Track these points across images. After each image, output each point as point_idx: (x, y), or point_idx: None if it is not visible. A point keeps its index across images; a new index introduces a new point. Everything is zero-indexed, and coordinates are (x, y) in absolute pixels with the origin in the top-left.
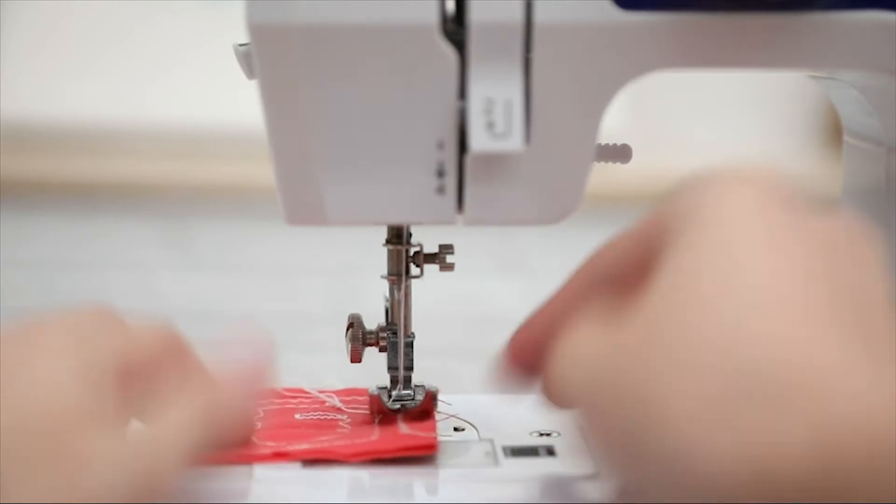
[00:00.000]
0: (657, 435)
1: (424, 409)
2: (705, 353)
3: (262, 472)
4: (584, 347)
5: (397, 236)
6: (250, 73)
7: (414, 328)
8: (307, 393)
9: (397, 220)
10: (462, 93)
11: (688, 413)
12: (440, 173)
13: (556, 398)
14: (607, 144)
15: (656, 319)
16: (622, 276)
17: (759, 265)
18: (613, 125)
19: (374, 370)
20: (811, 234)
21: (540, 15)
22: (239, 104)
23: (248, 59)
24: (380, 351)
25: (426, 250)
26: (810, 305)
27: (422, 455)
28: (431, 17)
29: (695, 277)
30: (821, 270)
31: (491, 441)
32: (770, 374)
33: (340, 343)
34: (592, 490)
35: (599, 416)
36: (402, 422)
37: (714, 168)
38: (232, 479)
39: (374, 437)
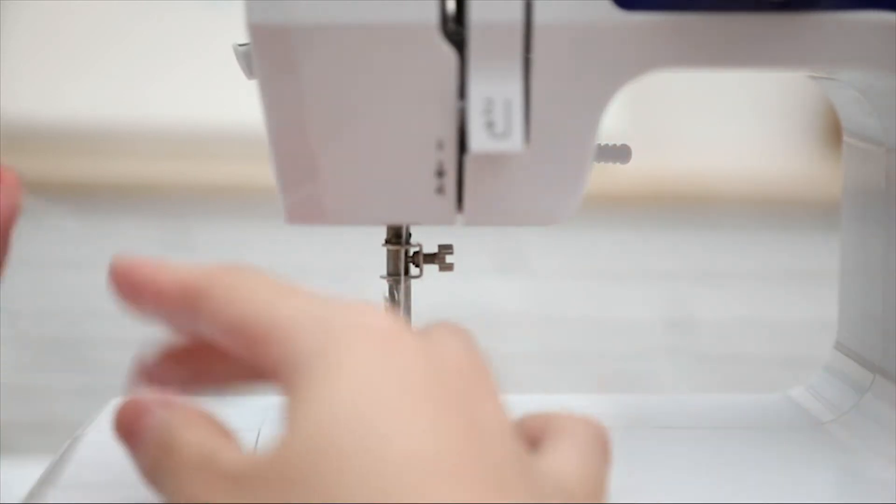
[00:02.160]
0: None
1: None
2: None
3: None
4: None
5: (397, 236)
6: (250, 72)
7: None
8: None
9: (397, 220)
10: (462, 93)
11: None
12: (440, 173)
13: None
14: (607, 144)
15: (292, 475)
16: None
17: (397, 425)
18: (613, 125)
19: None
20: (434, 369)
21: (540, 15)
22: (239, 104)
23: (248, 58)
24: None
25: (426, 250)
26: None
27: None
28: (431, 17)
29: (334, 434)
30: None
31: None
32: None
33: None
34: None
35: None
36: None
37: (334, 311)
38: None
39: None
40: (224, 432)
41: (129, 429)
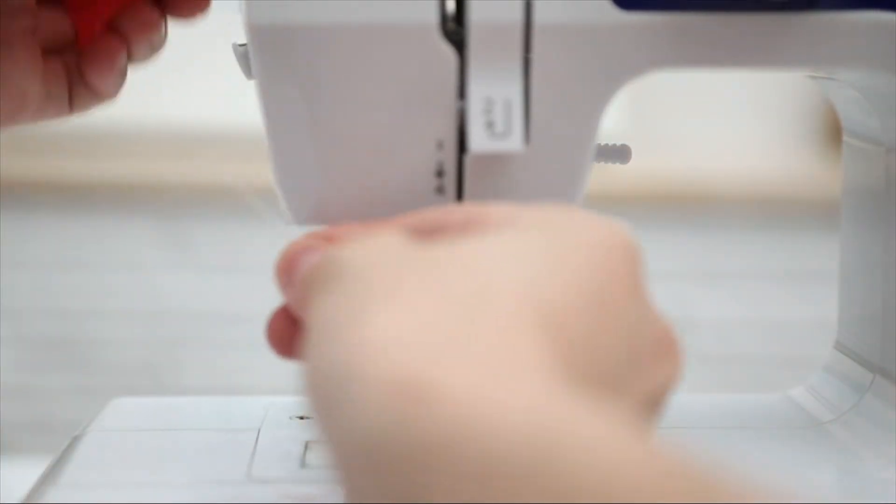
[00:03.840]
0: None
1: None
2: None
3: (259, 471)
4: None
5: None
6: (249, 73)
7: None
8: None
9: None
10: (462, 92)
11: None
12: (440, 173)
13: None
14: (607, 144)
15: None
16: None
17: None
18: (613, 125)
19: None
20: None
21: (540, 15)
22: (238, 104)
23: (247, 59)
24: None
25: None
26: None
27: None
28: (431, 17)
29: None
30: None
31: None
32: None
33: None
34: None
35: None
36: None
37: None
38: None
39: None
40: None
41: (287, 266)
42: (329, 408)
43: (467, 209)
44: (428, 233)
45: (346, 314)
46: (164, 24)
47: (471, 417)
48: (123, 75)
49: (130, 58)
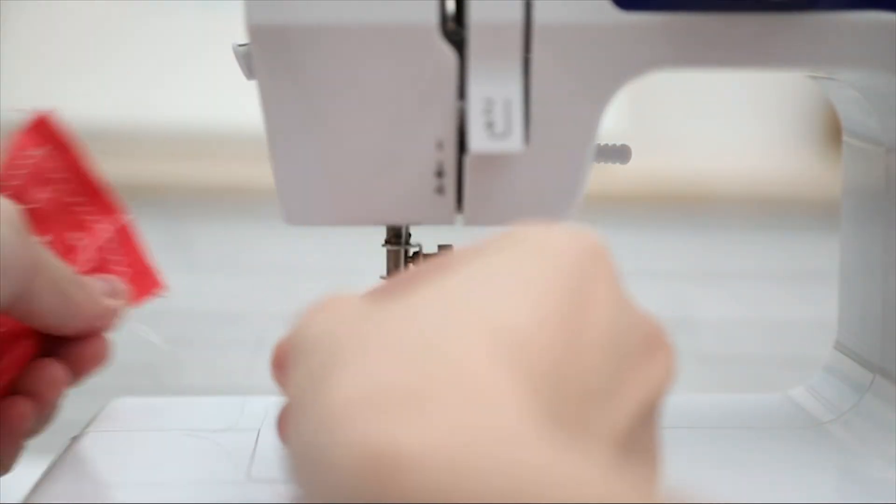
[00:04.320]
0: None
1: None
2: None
3: (259, 471)
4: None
5: (396, 237)
6: (249, 73)
7: None
8: None
9: (397, 220)
10: (462, 93)
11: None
12: (439, 173)
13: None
14: (607, 145)
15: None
16: None
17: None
18: (613, 126)
19: None
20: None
21: (540, 15)
22: (238, 105)
23: (248, 59)
24: None
25: (425, 251)
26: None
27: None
28: (431, 17)
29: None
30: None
31: None
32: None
33: None
34: None
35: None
36: None
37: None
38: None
39: None
40: None
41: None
42: (308, 476)
43: (437, 259)
44: (396, 289)
45: (312, 383)
46: (69, 382)
47: (440, 483)
48: (21, 448)
49: (33, 427)
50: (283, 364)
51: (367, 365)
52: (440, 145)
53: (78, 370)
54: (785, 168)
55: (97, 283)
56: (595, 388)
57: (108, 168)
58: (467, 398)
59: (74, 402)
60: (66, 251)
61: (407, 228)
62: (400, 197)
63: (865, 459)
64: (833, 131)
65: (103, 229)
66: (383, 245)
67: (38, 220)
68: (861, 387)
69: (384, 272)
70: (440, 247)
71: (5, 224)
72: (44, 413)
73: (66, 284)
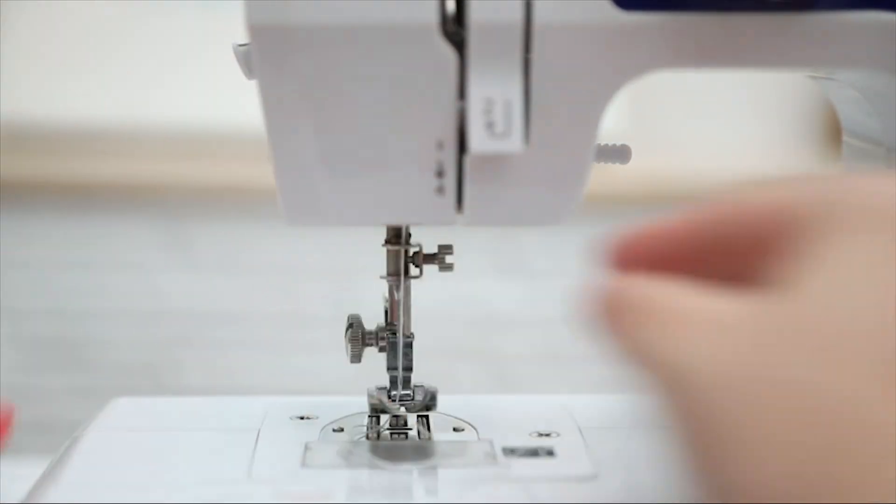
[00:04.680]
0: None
1: None
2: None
3: (259, 471)
4: (714, 321)
5: (397, 236)
6: (249, 73)
7: (413, 328)
8: None
9: (397, 220)
10: (462, 93)
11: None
12: (440, 173)
13: (650, 361)
14: (607, 145)
15: (809, 312)
16: (736, 247)
17: None
18: (613, 126)
19: (373, 370)
20: None
21: (540, 15)
22: (238, 105)
23: (248, 59)
24: (379, 351)
25: (425, 251)
26: None
27: None
28: (431, 17)
29: (852, 285)
30: None
31: (490, 441)
32: None
33: (340, 343)
34: (591, 490)
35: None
36: None
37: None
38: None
39: None
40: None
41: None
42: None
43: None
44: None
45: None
46: None
47: None
48: None
49: None
50: (621, 311)
51: None
52: (440, 145)
53: None
54: (785, 168)
55: None
56: None
57: (108, 168)
58: None
59: (74, 402)
60: None
61: (407, 228)
62: (400, 197)
63: None
64: (833, 131)
65: None
66: (383, 245)
67: None
68: None
69: (384, 272)
70: (440, 247)
71: None
72: None
73: None
